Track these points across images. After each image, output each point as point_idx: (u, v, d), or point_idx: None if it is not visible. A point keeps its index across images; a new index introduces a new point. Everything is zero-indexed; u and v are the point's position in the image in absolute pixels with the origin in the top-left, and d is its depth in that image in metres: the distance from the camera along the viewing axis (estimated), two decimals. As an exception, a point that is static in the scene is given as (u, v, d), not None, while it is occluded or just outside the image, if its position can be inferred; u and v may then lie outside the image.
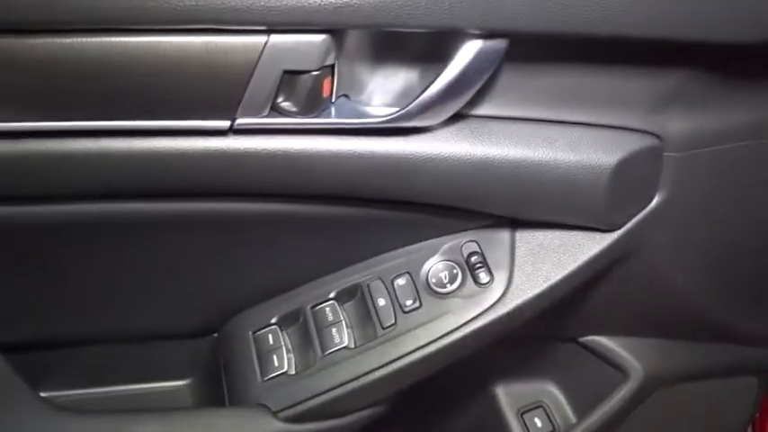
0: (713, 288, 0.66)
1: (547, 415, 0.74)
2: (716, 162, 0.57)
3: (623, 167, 0.54)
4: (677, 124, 0.55)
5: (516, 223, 0.59)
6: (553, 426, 0.74)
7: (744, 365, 0.74)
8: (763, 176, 0.60)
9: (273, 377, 0.60)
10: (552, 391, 0.75)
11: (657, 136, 0.55)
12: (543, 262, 0.58)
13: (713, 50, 0.50)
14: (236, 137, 0.49)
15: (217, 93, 0.46)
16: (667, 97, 0.53)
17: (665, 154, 0.55)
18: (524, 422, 0.75)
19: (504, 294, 0.58)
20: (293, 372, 0.60)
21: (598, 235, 0.58)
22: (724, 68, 0.53)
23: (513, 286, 0.58)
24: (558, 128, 0.54)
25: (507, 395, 0.76)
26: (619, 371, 0.70)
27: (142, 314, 0.64)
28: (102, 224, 0.54)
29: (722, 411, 0.76)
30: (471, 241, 0.60)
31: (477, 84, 0.50)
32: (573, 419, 0.73)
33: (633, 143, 0.54)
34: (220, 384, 0.63)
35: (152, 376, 0.69)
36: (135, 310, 0.63)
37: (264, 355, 0.61)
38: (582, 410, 0.72)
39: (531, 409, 0.75)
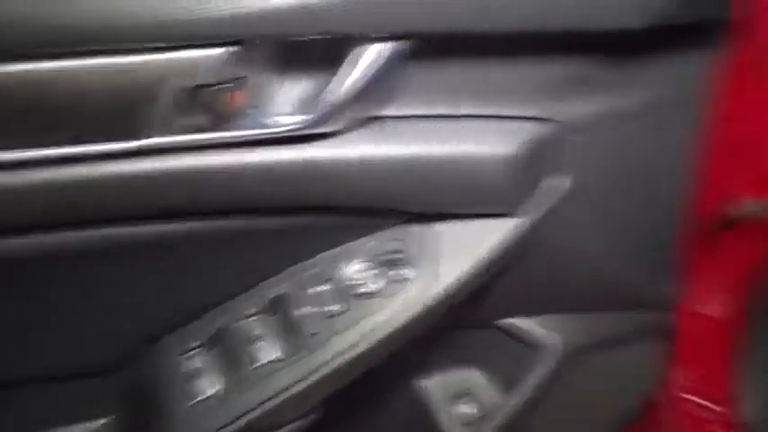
0: (623, 260, 0.70)
1: (475, 401, 0.76)
2: (616, 142, 0.61)
3: (526, 155, 0.57)
4: (576, 109, 0.59)
5: (432, 218, 0.61)
6: (481, 411, 0.76)
7: (654, 329, 0.79)
8: (658, 151, 0.64)
9: (202, 400, 0.58)
10: (478, 377, 0.77)
11: (557, 122, 0.58)
12: (462, 253, 0.60)
13: (604, 38, 0.54)
14: (146, 158, 0.48)
15: (122, 114, 0.45)
16: (564, 84, 0.57)
17: (567, 138, 0.59)
18: (453, 411, 0.77)
19: (426, 288, 0.59)
20: (223, 392, 0.59)
21: (511, 222, 0.60)
22: (616, 53, 0.57)
23: (435, 279, 0.59)
24: (462, 122, 0.56)
25: (434, 386, 0.78)
26: (537, 349, 0.73)
27: (55, 352, 0.61)
28: (6, 260, 0.51)
29: (636, 374, 0.82)
30: (390, 240, 0.61)
31: (383, 86, 0.51)
32: (500, 402, 0.76)
33: (534, 131, 0.57)
34: (147, 417, 0.61)
35: (76, 417, 0.65)
36: (47, 348, 0.60)
37: (191, 380, 0.59)
38: (507, 392, 0.75)
39: (459, 397, 0.77)
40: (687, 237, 0.70)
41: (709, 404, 0.78)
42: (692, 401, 0.79)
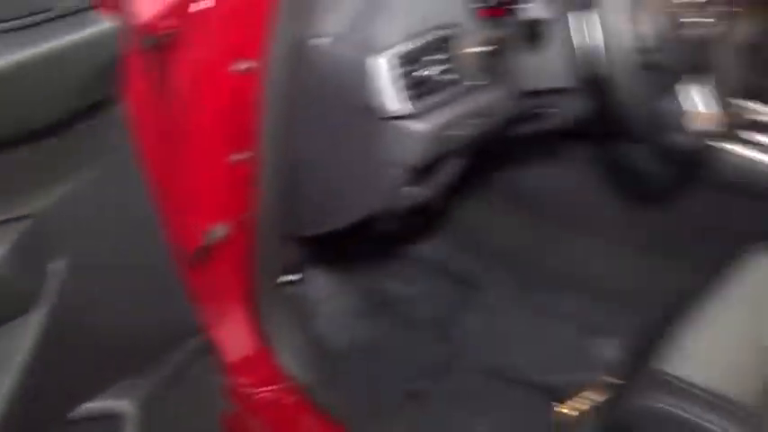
0: (141, 307, 0.80)
1: None
2: (89, 218, 0.72)
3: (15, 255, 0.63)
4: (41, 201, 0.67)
5: None
6: None
7: (202, 351, 0.90)
8: (124, 211, 0.77)
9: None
10: None
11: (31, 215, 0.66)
12: None
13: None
14: None
15: None
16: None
17: (48, 227, 0.68)
18: None
19: None
20: None
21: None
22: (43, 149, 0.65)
23: None
24: None
25: None
26: (119, 419, 0.80)
27: None
28: None
29: (209, 394, 0.92)
30: None
31: None
32: None
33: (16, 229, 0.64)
34: None
35: None
36: None
37: None
38: None
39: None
40: (183, 269, 0.83)
41: (267, 388, 0.97)
42: (256, 393, 0.96)
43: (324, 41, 0.79)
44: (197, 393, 0.88)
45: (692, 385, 0.79)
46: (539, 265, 1.43)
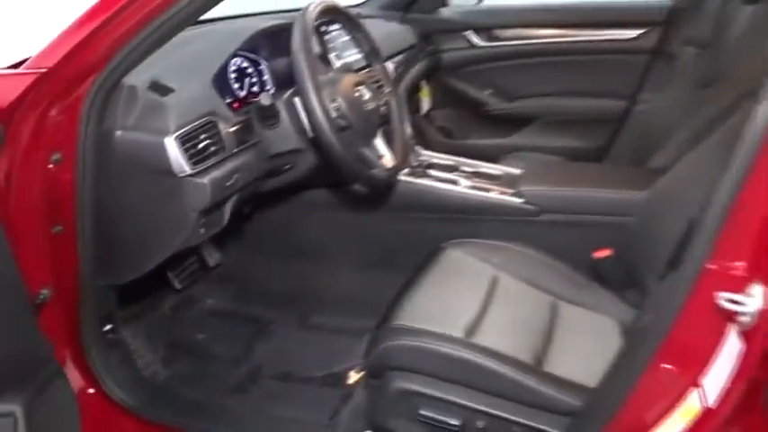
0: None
1: None
2: None
3: None
4: None
5: None
6: None
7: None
8: None
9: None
10: None
11: None
12: None
13: None
14: None
15: None
16: None
17: None
18: None
19: None
20: None
21: None
22: None
23: None
24: None
25: None
26: None
27: None
28: None
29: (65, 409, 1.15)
30: None
31: None
32: None
33: None
34: None
35: None
36: None
37: None
38: None
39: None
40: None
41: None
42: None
43: (126, 131, 1.13)
44: (60, 399, 1.09)
45: (413, 327, 1.21)
46: (308, 293, 1.82)
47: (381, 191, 1.62)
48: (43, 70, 1.04)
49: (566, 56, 2.25)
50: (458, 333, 1.21)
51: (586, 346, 1.28)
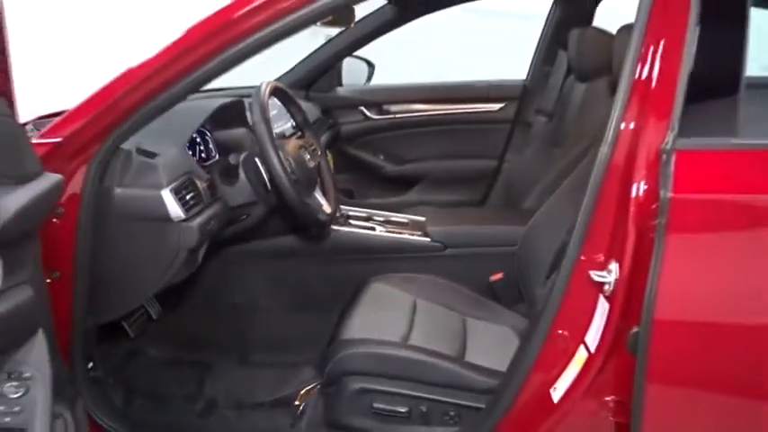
0: None
1: None
2: None
3: None
4: None
5: None
6: None
7: None
8: None
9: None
10: None
11: None
12: None
13: None
14: None
15: None
16: None
17: None
18: None
19: None
20: None
21: None
22: None
23: None
24: None
25: None
26: None
27: None
28: None
29: None
30: None
31: None
32: None
33: None
34: None
35: None
36: None
37: None
38: None
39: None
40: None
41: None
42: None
43: (125, 188, 1.36)
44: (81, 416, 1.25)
45: (362, 338, 1.50)
46: (244, 336, 2.05)
47: (315, 237, 1.92)
48: (59, 140, 1.26)
49: (444, 125, 2.72)
50: (396, 340, 1.52)
51: (494, 347, 1.63)
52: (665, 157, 1.05)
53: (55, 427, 1.10)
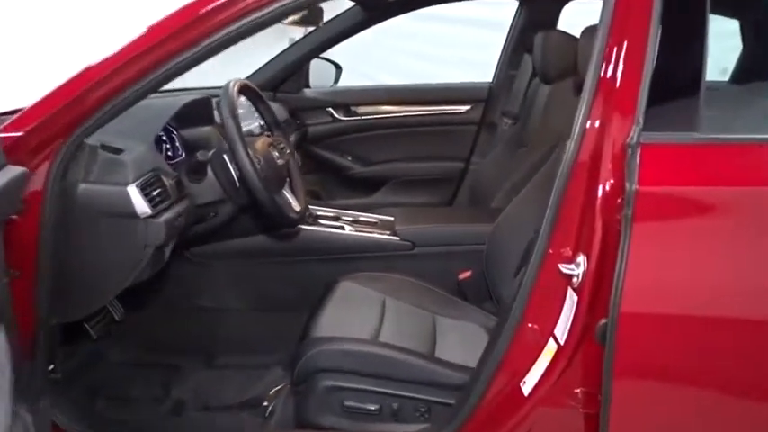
0: None
1: None
2: None
3: None
4: None
5: None
6: None
7: None
8: None
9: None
10: None
11: None
12: None
13: None
14: None
15: None
16: None
17: None
18: None
19: None
20: None
21: None
22: None
23: None
24: None
25: None
26: None
27: None
28: None
29: None
30: None
31: None
32: None
33: None
34: None
35: None
36: None
37: None
38: None
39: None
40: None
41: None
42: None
43: (89, 184, 1.33)
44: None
45: (332, 336, 1.50)
46: (210, 339, 2.02)
47: (283, 237, 1.91)
48: (20, 133, 1.23)
49: (411, 127, 2.73)
50: (366, 338, 1.51)
51: (463, 344, 1.64)
52: (630, 151, 1.08)
53: (13, 428, 1.07)
